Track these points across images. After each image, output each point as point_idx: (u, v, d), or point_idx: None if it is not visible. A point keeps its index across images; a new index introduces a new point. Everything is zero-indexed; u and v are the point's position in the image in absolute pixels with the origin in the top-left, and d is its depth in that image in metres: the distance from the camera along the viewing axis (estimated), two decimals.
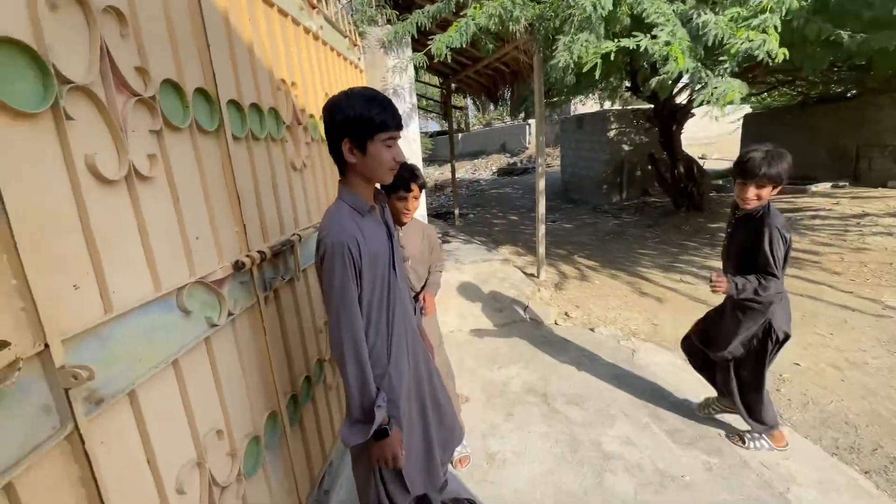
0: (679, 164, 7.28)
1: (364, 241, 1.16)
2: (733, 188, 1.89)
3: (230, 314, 1.24)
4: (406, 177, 1.71)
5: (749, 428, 2.12)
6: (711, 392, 2.34)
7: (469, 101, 13.21)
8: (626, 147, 9.16)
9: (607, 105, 8.90)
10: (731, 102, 2.85)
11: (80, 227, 0.81)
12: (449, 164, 8.93)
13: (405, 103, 3.47)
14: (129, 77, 0.93)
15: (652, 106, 7.35)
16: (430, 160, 20.53)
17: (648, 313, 3.80)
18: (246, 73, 1.44)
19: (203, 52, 1.22)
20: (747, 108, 10.84)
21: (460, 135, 21.91)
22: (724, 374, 2.14)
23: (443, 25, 3.68)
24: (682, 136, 7.46)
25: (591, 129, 9.60)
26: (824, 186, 8.17)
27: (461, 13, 3.33)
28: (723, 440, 2.18)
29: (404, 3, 4.23)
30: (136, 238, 0.94)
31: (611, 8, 2.89)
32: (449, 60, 3.51)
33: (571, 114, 12.97)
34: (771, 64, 2.80)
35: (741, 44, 2.70)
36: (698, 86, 2.94)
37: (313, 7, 2.11)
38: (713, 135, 13.80)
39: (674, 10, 2.95)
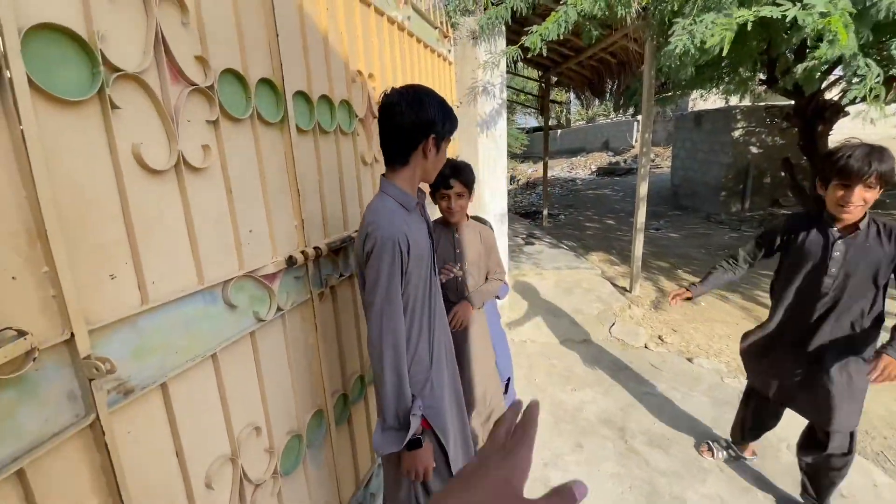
0: None
1: (412, 238, 1.12)
2: (829, 193, 1.56)
3: (279, 309, 1.22)
4: (445, 173, 1.65)
5: None
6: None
7: (572, 96, 12.53)
8: (753, 149, 7.90)
9: (734, 101, 7.71)
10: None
11: (121, 216, 0.81)
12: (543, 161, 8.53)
13: (494, 100, 3.29)
14: (185, 66, 0.92)
15: (792, 102, 6.18)
16: (524, 156, 20.02)
17: None
18: (318, 64, 1.41)
19: (273, 42, 1.20)
20: None
21: (559, 131, 20.96)
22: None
23: (542, 14, 3.43)
24: (830, 140, 6.17)
25: (712, 127, 8.44)
26: None
27: None
28: None
29: None
30: (181, 229, 0.93)
31: None
32: (545, 54, 3.24)
33: (689, 110, 11.61)
34: None
35: None
36: (855, 78, 2.34)
37: None
38: (871, 140, 11.33)
39: None
